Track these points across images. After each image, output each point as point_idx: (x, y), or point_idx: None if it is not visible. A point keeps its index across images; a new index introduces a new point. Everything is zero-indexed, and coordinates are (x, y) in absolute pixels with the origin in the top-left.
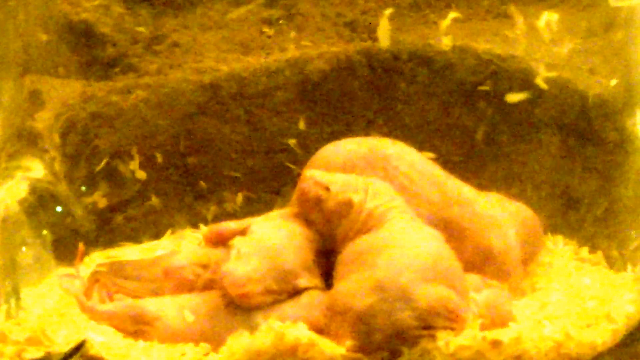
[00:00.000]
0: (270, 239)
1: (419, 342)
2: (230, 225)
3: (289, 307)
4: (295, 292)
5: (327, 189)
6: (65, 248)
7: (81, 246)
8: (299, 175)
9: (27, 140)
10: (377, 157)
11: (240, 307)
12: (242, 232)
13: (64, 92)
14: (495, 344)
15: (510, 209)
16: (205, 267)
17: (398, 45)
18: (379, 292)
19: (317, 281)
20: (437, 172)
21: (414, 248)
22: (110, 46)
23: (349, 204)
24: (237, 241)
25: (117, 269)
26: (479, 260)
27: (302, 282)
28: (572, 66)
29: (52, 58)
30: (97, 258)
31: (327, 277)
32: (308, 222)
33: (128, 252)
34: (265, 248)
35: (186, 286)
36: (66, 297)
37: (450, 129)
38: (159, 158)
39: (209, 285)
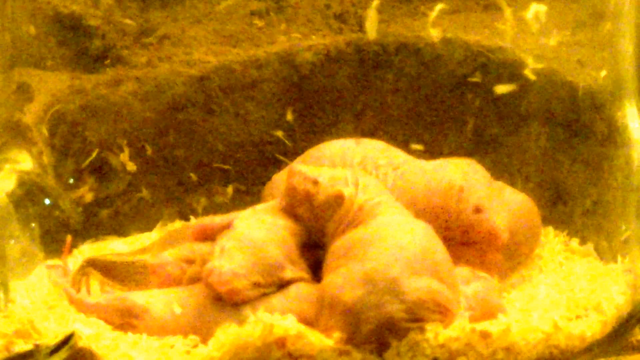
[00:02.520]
0: (252, 233)
1: (407, 334)
2: (215, 220)
3: (278, 300)
4: (282, 285)
5: (316, 182)
6: (53, 241)
7: (69, 238)
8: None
9: (15, 133)
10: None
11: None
12: (227, 227)
13: (53, 84)
14: (484, 335)
15: (507, 197)
16: (190, 262)
17: (386, 37)
18: (368, 284)
19: (302, 273)
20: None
21: (403, 241)
22: (99, 39)
23: (340, 198)
24: (220, 237)
25: (105, 269)
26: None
27: (288, 273)
28: (560, 58)
29: (41, 51)
30: (86, 250)
31: (316, 270)
32: (295, 216)
33: (116, 245)
34: (248, 243)
35: (172, 282)
36: (54, 289)
37: (439, 120)
38: (148, 151)
39: (195, 280)
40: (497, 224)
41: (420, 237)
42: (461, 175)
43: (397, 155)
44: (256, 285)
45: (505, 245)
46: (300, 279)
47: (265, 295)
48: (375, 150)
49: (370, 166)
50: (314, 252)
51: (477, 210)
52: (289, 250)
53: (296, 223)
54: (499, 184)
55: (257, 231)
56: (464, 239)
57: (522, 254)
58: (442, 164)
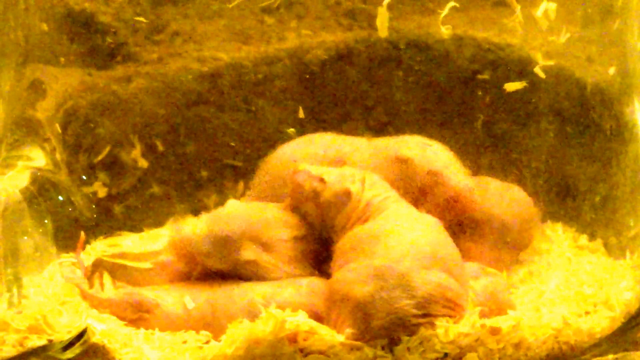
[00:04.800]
0: (227, 207)
1: (418, 330)
2: None
3: (290, 294)
4: (240, 264)
5: (323, 180)
6: (66, 237)
7: (82, 235)
8: None
9: (28, 130)
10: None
11: (239, 294)
12: None
13: (65, 81)
14: (494, 331)
15: (501, 191)
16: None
17: (397, 34)
18: (378, 280)
19: (280, 258)
20: None
21: (412, 236)
22: (111, 35)
23: (347, 194)
24: None
25: (113, 271)
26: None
27: (246, 254)
28: (569, 55)
29: (53, 47)
30: (98, 246)
31: (322, 265)
32: (302, 214)
33: (129, 241)
34: (214, 214)
35: (182, 279)
36: (68, 285)
37: (448, 117)
38: (159, 147)
39: (204, 277)
40: (456, 182)
41: (429, 232)
42: (416, 149)
43: (352, 142)
44: (206, 254)
45: (474, 204)
46: (274, 264)
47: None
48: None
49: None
50: (323, 249)
51: (431, 173)
52: (261, 232)
53: (300, 221)
54: (488, 179)
55: (232, 206)
56: (426, 203)
57: (518, 245)
58: (397, 142)
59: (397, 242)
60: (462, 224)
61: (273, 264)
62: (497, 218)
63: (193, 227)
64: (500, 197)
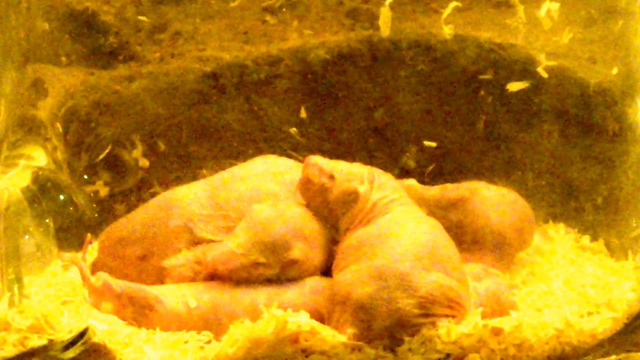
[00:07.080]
0: (261, 213)
1: (419, 330)
2: None
3: (293, 293)
4: (290, 264)
5: (332, 177)
6: (67, 236)
7: (88, 236)
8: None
9: (30, 129)
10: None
11: (242, 294)
12: None
13: (67, 80)
14: (496, 332)
15: (496, 195)
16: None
17: (399, 34)
18: (379, 280)
19: (316, 251)
20: None
21: (411, 237)
22: (113, 35)
23: (355, 195)
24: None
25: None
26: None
27: (295, 253)
28: (572, 55)
29: (55, 47)
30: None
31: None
32: (310, 208)
33: None
34: (253, 222)
35: (185, 282)
36: (69, 284)
37: (451, 117)
38: (161, 146)
39: (207, 281)
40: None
41: (428, 232)
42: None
43: None
44: (257, 264)
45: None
46: (312, 259)
47: (273, 276)
48: None
49: None
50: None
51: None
52: (300, 227)
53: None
54: (480, 183)
55: (266, 211)
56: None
57: (516, 247)
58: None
59: (398, 243)
60: (460, 229)
61: (312, 258)
62: (494, 222)
63: (232, 242)
64: (496, 202)
